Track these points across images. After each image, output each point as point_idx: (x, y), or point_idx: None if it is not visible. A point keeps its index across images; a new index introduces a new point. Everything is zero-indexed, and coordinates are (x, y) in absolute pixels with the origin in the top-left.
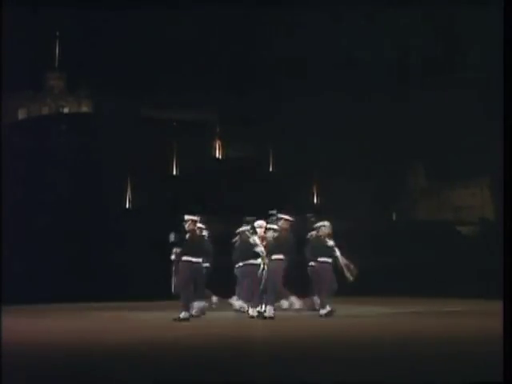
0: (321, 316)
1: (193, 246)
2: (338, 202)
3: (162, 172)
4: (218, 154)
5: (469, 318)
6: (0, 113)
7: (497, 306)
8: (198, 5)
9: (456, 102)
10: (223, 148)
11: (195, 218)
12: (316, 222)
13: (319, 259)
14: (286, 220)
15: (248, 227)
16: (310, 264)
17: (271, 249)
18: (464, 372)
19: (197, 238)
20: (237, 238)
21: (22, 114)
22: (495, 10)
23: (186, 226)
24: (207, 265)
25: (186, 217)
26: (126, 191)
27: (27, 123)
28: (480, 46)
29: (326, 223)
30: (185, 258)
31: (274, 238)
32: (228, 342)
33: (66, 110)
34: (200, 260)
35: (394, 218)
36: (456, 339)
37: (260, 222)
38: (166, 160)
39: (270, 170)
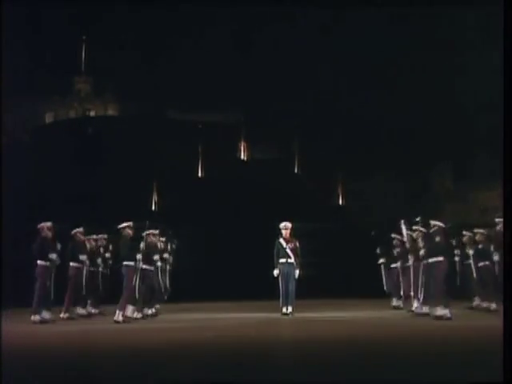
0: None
1: None
2: (364, 203)
3: (187, 174)
4: (243, 156)
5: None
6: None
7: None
8: (223, 7)
9: (480, 103)
10: (248, 150)
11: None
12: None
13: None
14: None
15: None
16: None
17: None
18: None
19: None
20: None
21: (49, 118)
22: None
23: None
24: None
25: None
26: (152, 194)
27: (54, 127)
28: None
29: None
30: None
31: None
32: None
33: (92, 114)
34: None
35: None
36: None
37: (285, 224)
38: (192, 162)
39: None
